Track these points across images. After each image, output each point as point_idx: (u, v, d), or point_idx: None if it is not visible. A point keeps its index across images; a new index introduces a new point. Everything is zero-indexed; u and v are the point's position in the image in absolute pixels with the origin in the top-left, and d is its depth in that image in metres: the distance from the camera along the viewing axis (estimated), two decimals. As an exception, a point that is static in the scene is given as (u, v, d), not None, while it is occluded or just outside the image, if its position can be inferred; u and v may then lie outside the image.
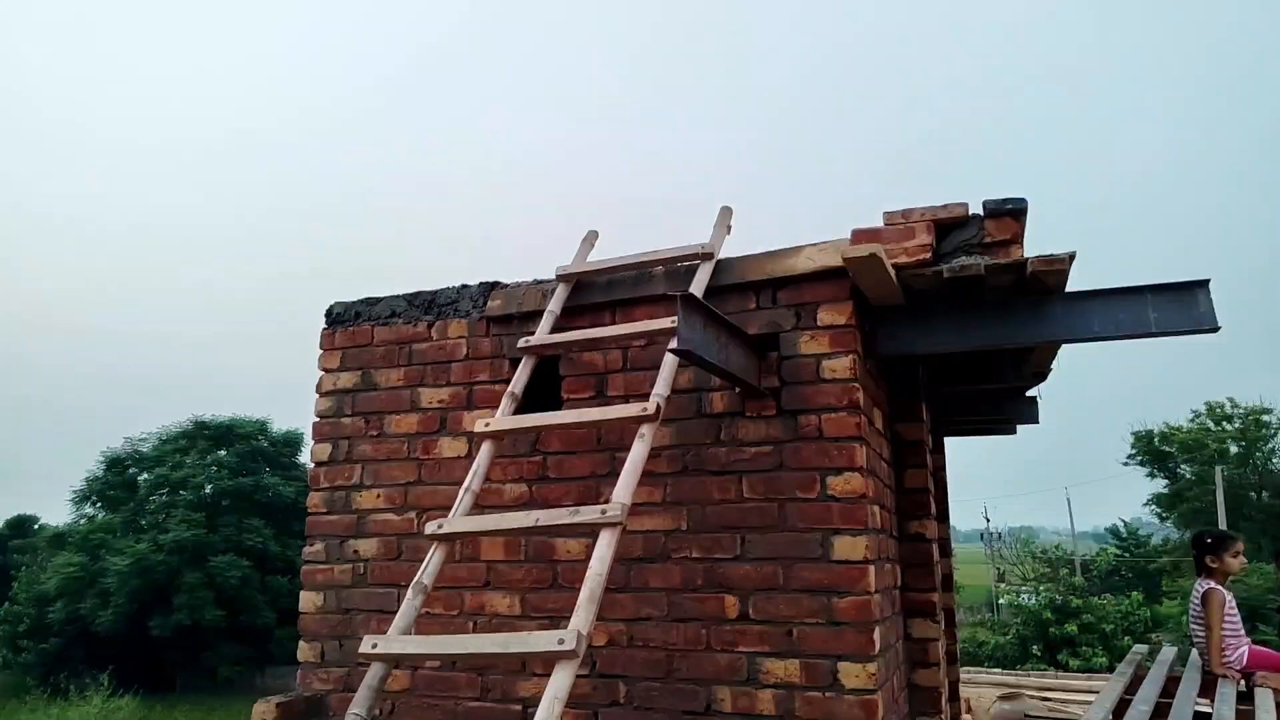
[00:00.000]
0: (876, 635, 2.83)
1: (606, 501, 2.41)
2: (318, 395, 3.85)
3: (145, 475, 29.07)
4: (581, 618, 2.12)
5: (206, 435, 29.28)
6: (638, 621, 3.11)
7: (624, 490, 2.37)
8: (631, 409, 2.61)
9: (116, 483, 29.45)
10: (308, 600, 3.69)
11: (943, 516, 4.69)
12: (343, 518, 3.69)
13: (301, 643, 3.67)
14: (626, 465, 2.43)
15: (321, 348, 3.89)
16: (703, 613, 3.02)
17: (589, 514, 2.35)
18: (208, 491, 28.21)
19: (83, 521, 29.86)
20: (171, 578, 25.48)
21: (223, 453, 29.04)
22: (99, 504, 29.82)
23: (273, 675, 26.51)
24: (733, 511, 3.04)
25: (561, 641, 2.06)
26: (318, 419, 3.84)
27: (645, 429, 2.52)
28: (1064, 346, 3.51)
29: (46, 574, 27.55)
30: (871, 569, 2.86)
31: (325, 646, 3.61)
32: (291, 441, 29.74)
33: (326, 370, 3.86)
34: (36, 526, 36.97)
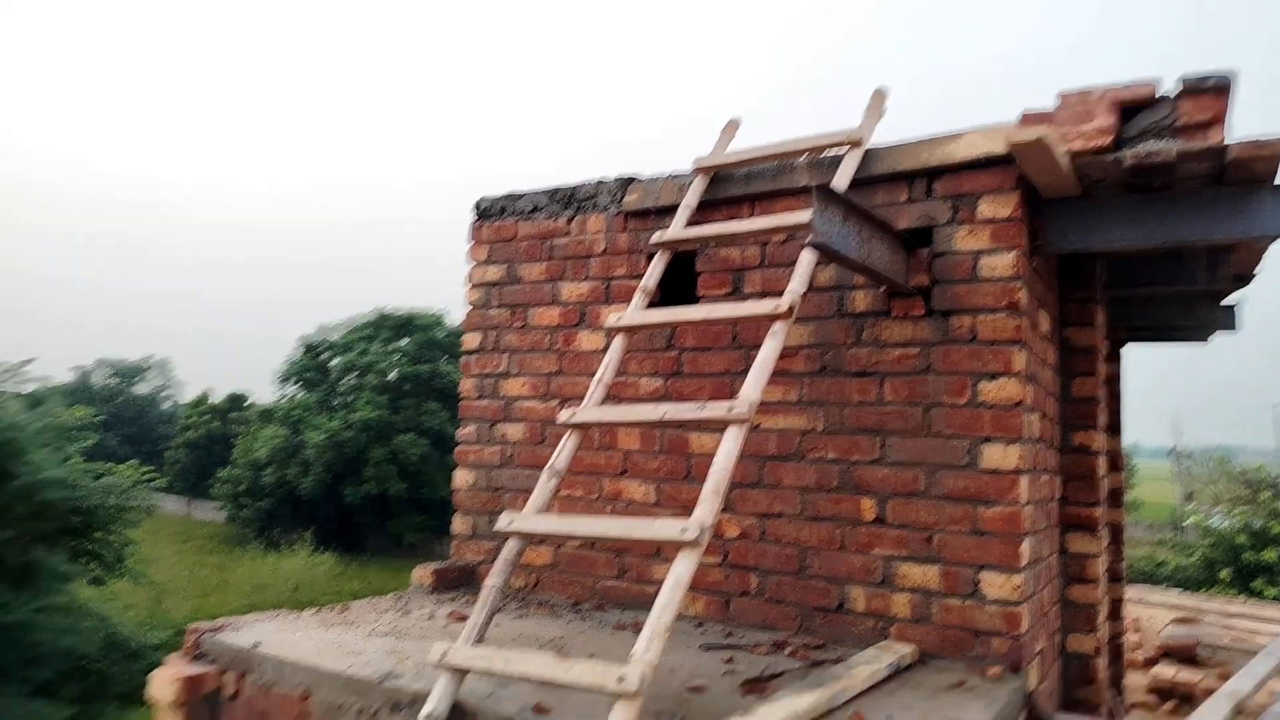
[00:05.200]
0: (1025, 547, 2.69)
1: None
2: (468, 286, 3.99)
3: (336, 360, 31.82)
4: (705, 510, 2.12)
5: (389, 325, 31.51)
6: (770, 517, 3.10)
7: (752, 388, 2.32)
8: (763, 306, 2.52)
9: (312, 366, 32.47)
10: (461, 478, 3.93)
11: (1114, 429, 4.35)
12: (491, 403, 3.87)
13: (456, 516, 3.94)
14: (755, 363, 2.37)
15: (470, 240, 4.00)
16: (837, 513, 2.97)
17: (715, 409, 2.33)
18: (390, 377, 30.56)
19: (284, 399, 33.27)
20: (360, 452, 28.11)
21: (404, 341, 31.23)
22: (298, 384, 33.06)
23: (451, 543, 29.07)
24: (872, 414, 2.94)
25: (684, 531, 2.08)
26: (469, 309, 3.99)
27: (777, 327, 2.44)
28: (1274, 246, 3.07)
29: (258, 444, 31.08)
30: (1023, 479, 2.70)
31: (477, 521, 3.86)
32: (465, 332, 31.53)
33: (476, 263, 3.98)
34: (247, 403, 41.53)
